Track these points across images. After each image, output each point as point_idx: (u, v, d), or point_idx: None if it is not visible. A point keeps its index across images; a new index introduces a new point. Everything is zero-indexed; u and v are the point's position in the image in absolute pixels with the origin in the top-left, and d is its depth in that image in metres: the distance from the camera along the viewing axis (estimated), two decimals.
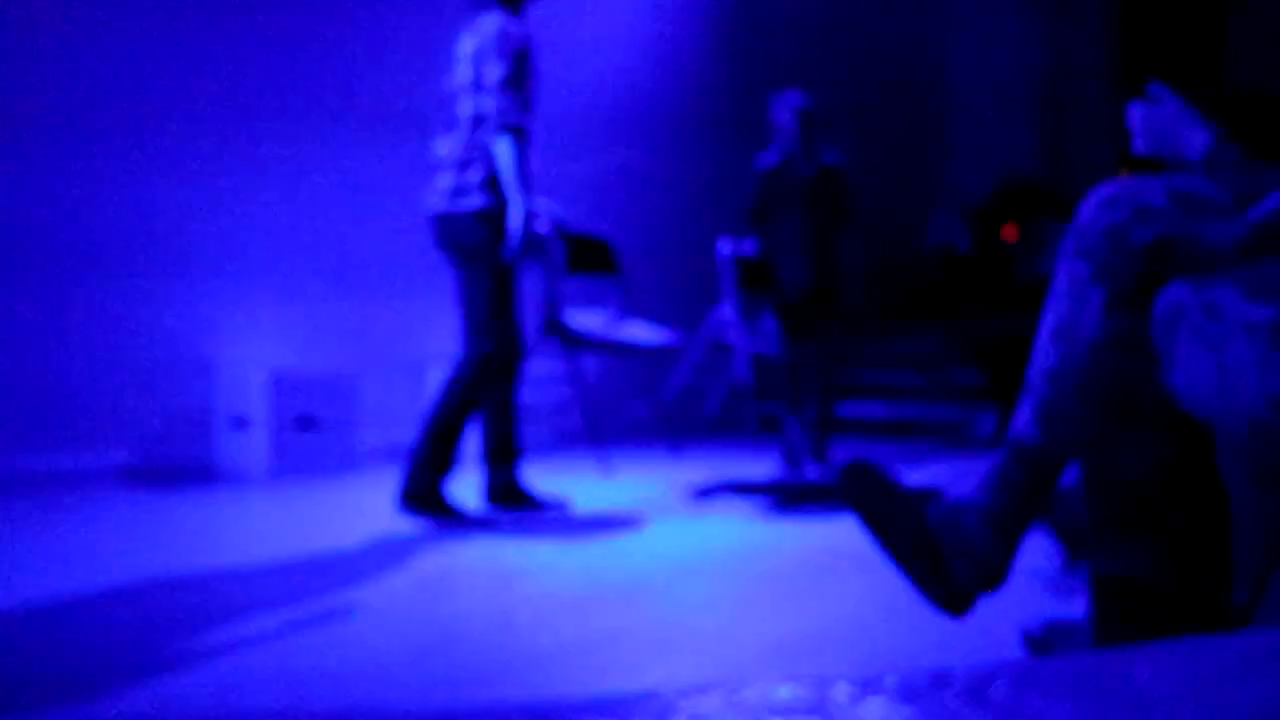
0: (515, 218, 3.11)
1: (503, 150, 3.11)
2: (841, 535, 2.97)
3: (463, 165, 3.22)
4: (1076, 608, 2.06)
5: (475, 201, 3.20)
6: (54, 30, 4.19)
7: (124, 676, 1.67)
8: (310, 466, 4.46)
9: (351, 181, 5.17)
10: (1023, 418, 1.28)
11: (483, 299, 3.19)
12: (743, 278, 4.75)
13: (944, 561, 1.31)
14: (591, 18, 6.33)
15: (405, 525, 3.22)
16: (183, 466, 4.45)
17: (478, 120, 3.19)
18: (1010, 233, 5.77)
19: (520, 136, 3.14)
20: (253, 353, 4.72)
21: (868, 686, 0.31)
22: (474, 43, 3.22)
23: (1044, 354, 1.27)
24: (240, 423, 4.38)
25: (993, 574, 1.30)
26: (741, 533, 3.10)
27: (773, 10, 7.61)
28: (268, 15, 4.86)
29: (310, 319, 5.00)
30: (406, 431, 5.32)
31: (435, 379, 5.31)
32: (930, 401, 6.27)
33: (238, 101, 4.72)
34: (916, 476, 4.10)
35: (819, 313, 4.37)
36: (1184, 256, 1.19)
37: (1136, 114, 1.50)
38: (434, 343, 5.52)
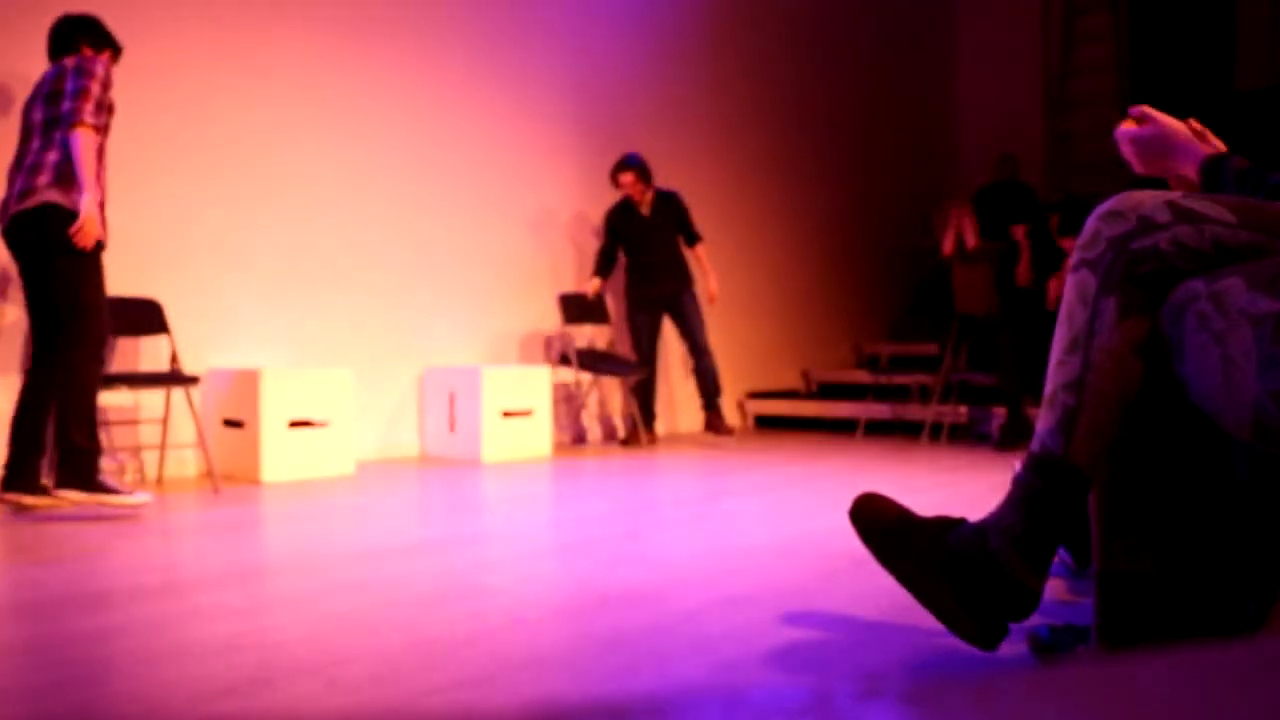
0: (89, 208, 3.30)
1: (78, 144, 3.30)
2: (843, 535, 2.96)
3: (34, 169, 3.38)
4: (1083, 612, 2.04)
5: (48, 199, 3.34)
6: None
7: (117, 674, 1.66)
8: (306, 467, 4.45)
9: (355, 180, 5.16)
10: (1045, 431, 1.23)
11: (73, 293, 3.35)
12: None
13: (971, 590, 1.23)
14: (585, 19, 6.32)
15: (399, 528, 3.20)
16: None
17: (49, 125, 3.39)
18: (1015, 231, 5.76)
19: (92, 134, 3.33)
20: (251, 353, 4.72)
21: (870, 689, 0.30)
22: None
23: (1062, 366, 1.23)
24: (236, 423, 4.37)
25: (1023, 599, 1.22)
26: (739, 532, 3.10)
27: (780, 8, 7.60)
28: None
29: (309, 318, 4.99)
30: (404, 431, 5.34)
31: (433, 379, 5.31)
32: (935, 401, 6.25)
33: (242, 103, 4.72)
34: (920, 477, 4.08)
35: (670, 308, 5.78)
36: (1187, 269, 1.18)
37: (1125, 139, 1.45)
38: (433, 343, 5.51)
